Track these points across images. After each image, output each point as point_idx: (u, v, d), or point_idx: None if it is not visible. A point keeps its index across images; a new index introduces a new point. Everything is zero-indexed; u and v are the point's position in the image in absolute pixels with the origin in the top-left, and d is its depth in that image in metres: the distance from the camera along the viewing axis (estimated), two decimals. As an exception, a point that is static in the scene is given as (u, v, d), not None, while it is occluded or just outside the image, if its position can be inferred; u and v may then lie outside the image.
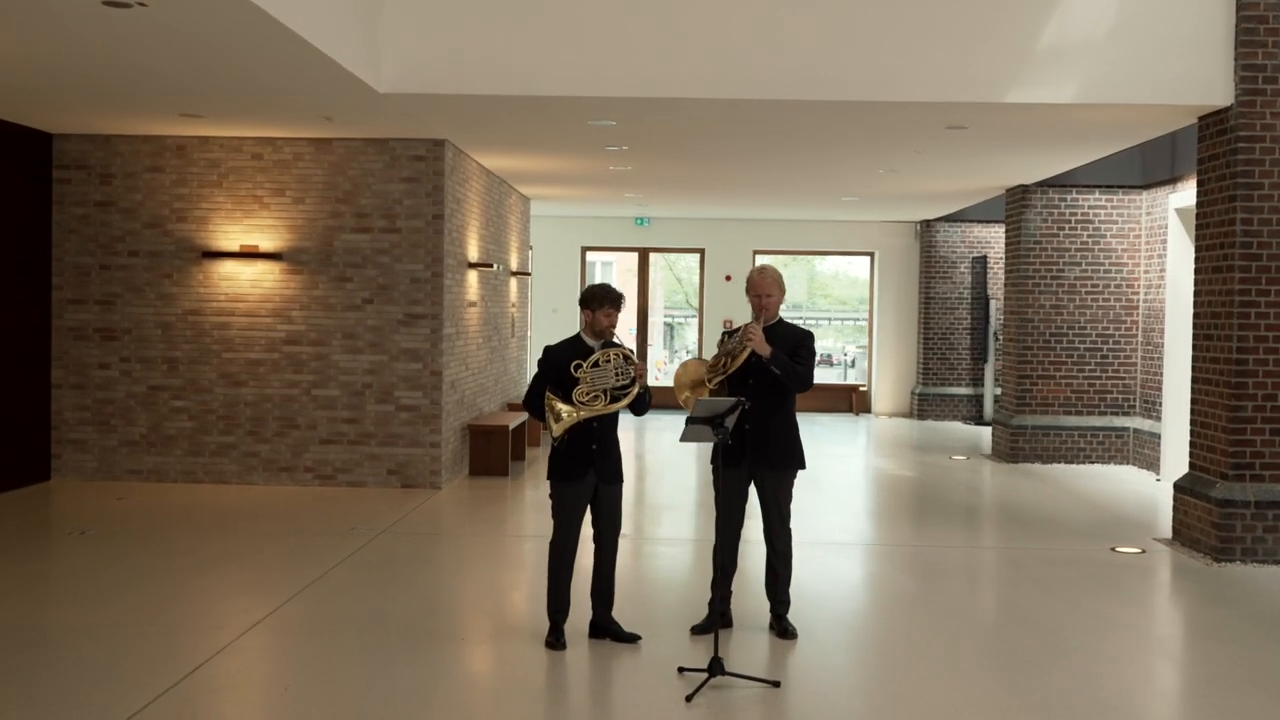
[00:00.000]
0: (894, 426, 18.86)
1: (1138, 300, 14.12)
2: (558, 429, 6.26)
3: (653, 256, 21.78)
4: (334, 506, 10.48)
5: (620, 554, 6.60)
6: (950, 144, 11.06)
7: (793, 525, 6.71)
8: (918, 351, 20.01)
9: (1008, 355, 14.71)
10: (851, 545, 9.51)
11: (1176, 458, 12.62)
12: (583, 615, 6.56)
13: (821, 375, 21.53)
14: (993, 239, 19.20)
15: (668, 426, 17.45)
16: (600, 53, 8.90)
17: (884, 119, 9.79)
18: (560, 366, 6.31)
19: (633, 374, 6.29)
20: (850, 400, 20.79)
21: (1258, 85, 8.69)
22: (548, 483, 6.51)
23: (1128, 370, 14.19)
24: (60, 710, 5.33)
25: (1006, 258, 14.84)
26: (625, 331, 18.25)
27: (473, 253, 12.78)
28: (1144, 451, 13.76)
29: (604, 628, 6.48)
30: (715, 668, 5.73)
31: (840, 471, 13.54)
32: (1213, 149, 9.12)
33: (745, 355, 6.44)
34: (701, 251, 20.83)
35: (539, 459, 13.92)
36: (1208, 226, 9.22)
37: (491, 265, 13.21)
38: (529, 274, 17.30)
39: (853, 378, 24.80)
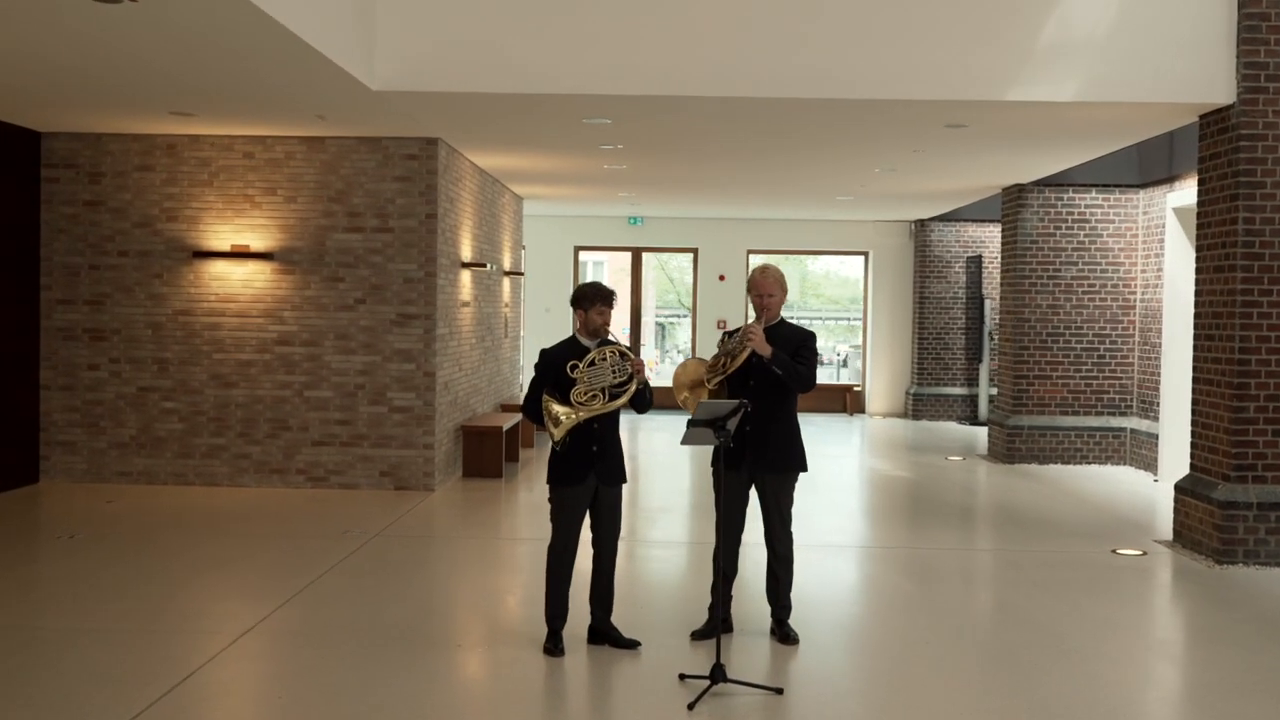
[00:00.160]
0: (888, 427, 18.79)
1: (1134, 300, 14.06)
2: (558, 432, 6.16)
3: (645, 256, 21.69)
4: (326, 509, 10.37)
5: (617, 557, 6.49)
6: (949, 143, 10.98)
7: (792, 528, 6.63)
8: (912, 351, 19.94)
9: (1004, 355, 14.64)
10: (850, 548, 9.43)
11: (1174, 458, 12.56)
12: (581, 620, 6.46)
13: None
14: (987, 238, 19.14)
15: (662, 427, 17.37)
16: (596, 50, 8.80)
17: (883, 117, 9.70)
18: (557, 369, 6.20)
19: (630, 370, 6.19)
20: (844, 400, 20.71)
21: (1260, 83, 8.62)
22: (547, 486, 6.39)
23: (1124, 370, 14.13)
24: (54, 718, 5.23)
25: (1003, 257, 14.77)
26: (618, 331, 18.19)
27: (466, 252, 12.68)
28: (1141, 452, 13.70)
29: (603, 633, 6.38)
30: (717, 675, 5.63)
31: (836, 472, 13.46)
32: (1214, 147, 9.05)
33: (745, 355, 6.35)
34: (695, 251, 20.74)
35: (533, 460, 13.82)
36: (1209, 226, 9.15)
37: (485, 265, 13.11)
38: (522, 274, 17.20)
39: (845, 377, 24.73)
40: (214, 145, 11.29)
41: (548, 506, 6.45)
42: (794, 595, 6.69)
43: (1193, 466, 9.33)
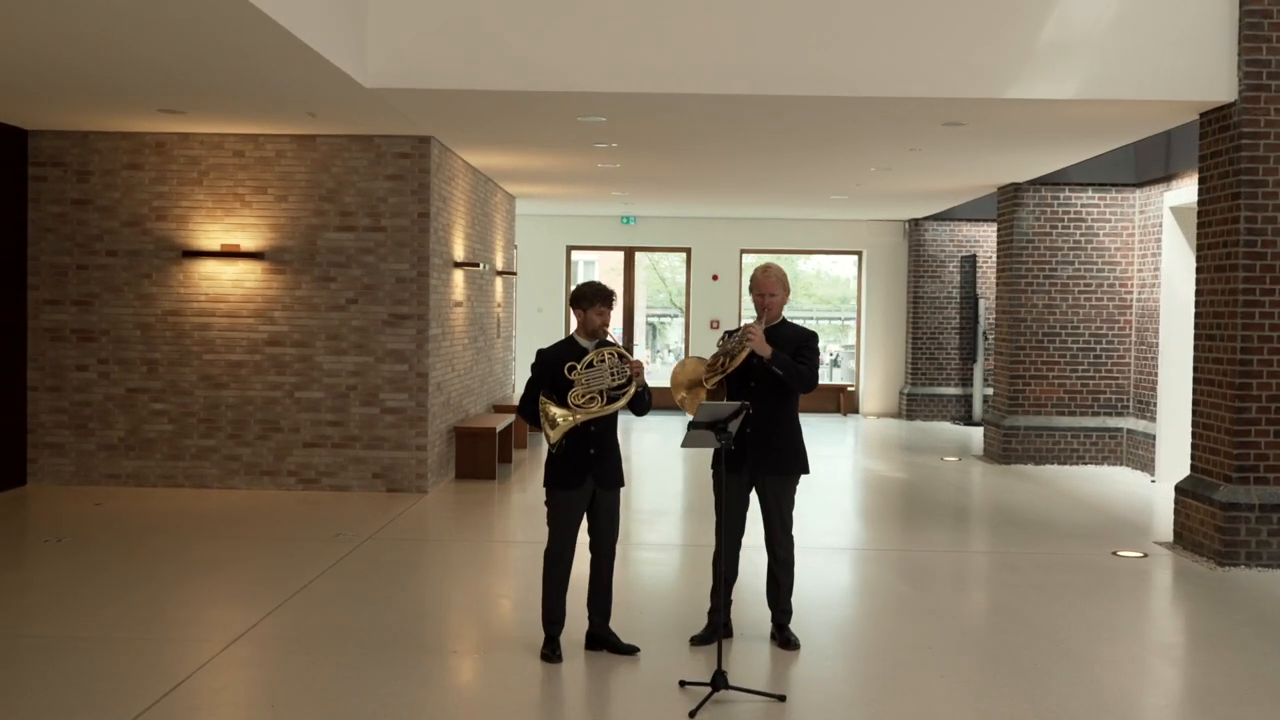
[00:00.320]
0: (882, 427, 18.71)
1: (1131, 299, 13.99)
2: (554, 434, 6.04)
3: (638, 256, 21.58)
4: (318, 511, 10.25)
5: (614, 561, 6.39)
6: (946, 141, 10.90)
7: (793, 531, 6.53)
8: (906, 351, 19.87)
9: (1000, 355, 14.56)
10: (848, 550, 9.34)
11: (1172, 458, 12.50)
12: (578, 626, 6.35)
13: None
14: (982, 238, 19.07)
15: (655, 427, 17.27)
16: (592, 47, 8.69)
17: (881, 115, 9.62)
18: (554, 370, 6.09)
19: (629, 373, 6.08)
20: (838, 400, 20.63)
21: (1262, 81, 8.54)
22: (544, 489, 6.28)
23: (1121, 370, 14.06)
24: (35, 730, 5.11)
25: (998, 256, 14.69)
26: (611, 331, 18.03)
27: (459, 252, 12.56)
28: (1138, 452, 13.63)
29: (601, 639, 6.27)
30: (718, 682, 5.53)
31: (832, 473, 13.37)
32: (1215, 146, 8.97)
33: (744, 355, 6.25)
34: (688, 251, 20.64)
35: (526, 461, 13.71)
36: (1210, 225, 9.07)
37: (478, 265, 13.00)
38: (515, 273, 17.08)
39: (837, 377, 24.62)
40: (204, 143, 11.16)
41: (542, 508, 6.34)
42: (794, 599, 6.60)
43: (1193, 467, 9.25)
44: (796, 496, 6.53)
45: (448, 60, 8.69)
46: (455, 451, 12.29)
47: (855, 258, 21.22)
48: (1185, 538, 9.14)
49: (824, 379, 25.20)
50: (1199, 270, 9.23)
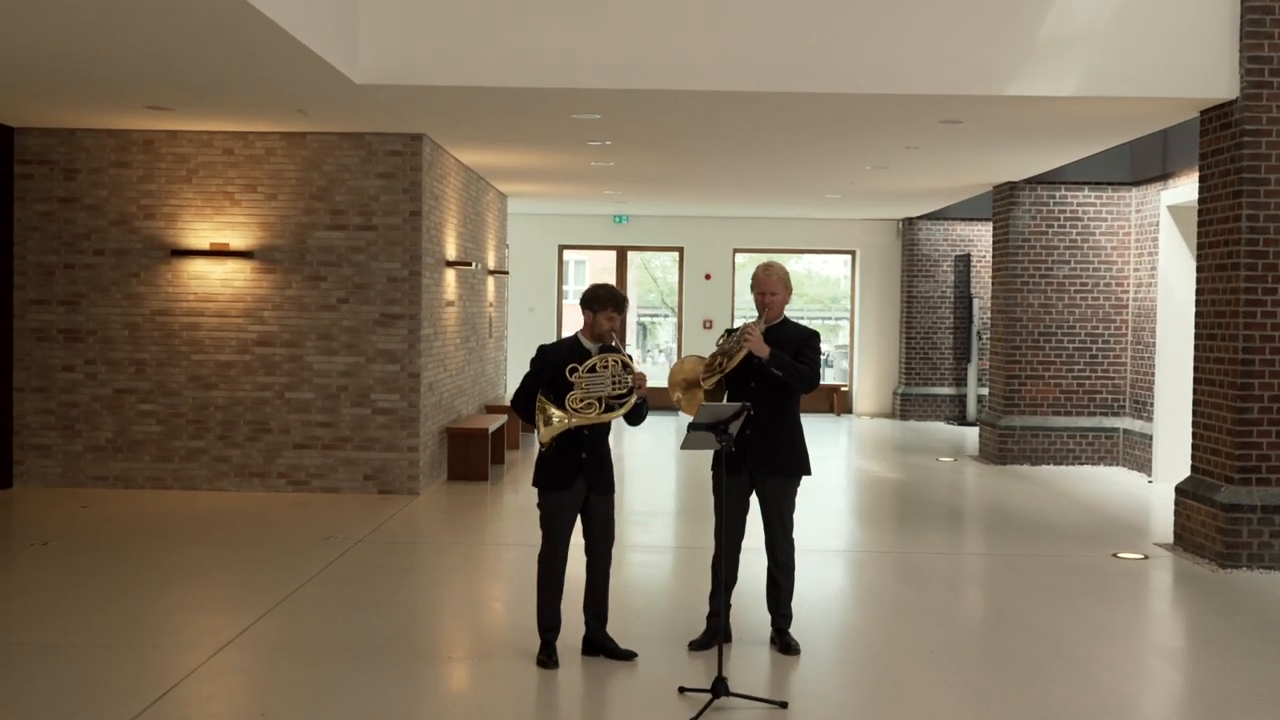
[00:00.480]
0: (876, 427, 18.62)
1: (1127, 299, 13.91)
2: (546, 433, 5.92)
3: (630, 255, 21.46)
4: (308, 514, 10.12)
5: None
6: (943, 139, 10.80)
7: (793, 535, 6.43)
8: (900, 351, 19.78)
9: (995, 355, 14.47)
10: (846, 552, 9.24)
11: (1169, 459, 12.42)
12: (575, 631, 6.23)
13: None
14: (975, 237, 18.99)
15: (648, 427, 17.11)
16: (586, 43, 8.57)
17: (878, 112, 9.52)
18: (555, 368, 5.97)
19: (630, 383, 5.95)
20: (831, 400, 20.53)
21: (1264, 78, 8.46)
22: (534, 490, 6.16)
23: (1117, 370, 13.98)
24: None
25: (994, 256, 14.60)
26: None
27: (451, 251, 12.43)
28: (1134, 453, 13.55)
29: (598, 644, 6.15)
30: (719, 688, 5.42)
31: (827, 474, 13.26)
32: (1216, 143, 8.89)
33: (741, 356, 6.15)
34: (680, 250, 20.53)
35: (519, 462, 13.59)
36: (1210, 223, 8.98)
37: (470, 264, 12.87)
38: (507, 273, 16.95)
39: (830, 377, 24.54)
40: (192, 141, 11.02)
41: (534, 510, 6.22)
42: (793, 603, 6.48)
43: (1194, 468, 9.16)
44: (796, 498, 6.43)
45: (440, 56, 8.56)
46: (447, 452, 12.16)
47: (848, 257, 21.14)
48: (1186, 539, 9.06)
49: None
50: (1199, 269, 9.14)
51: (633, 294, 29.48)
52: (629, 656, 6.11)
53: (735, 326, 6.46)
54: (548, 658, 6.01)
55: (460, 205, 13.06)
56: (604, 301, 5.98)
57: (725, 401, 6.26)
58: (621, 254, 20.99)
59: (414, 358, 11.04)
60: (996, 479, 13.06)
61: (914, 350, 19.37)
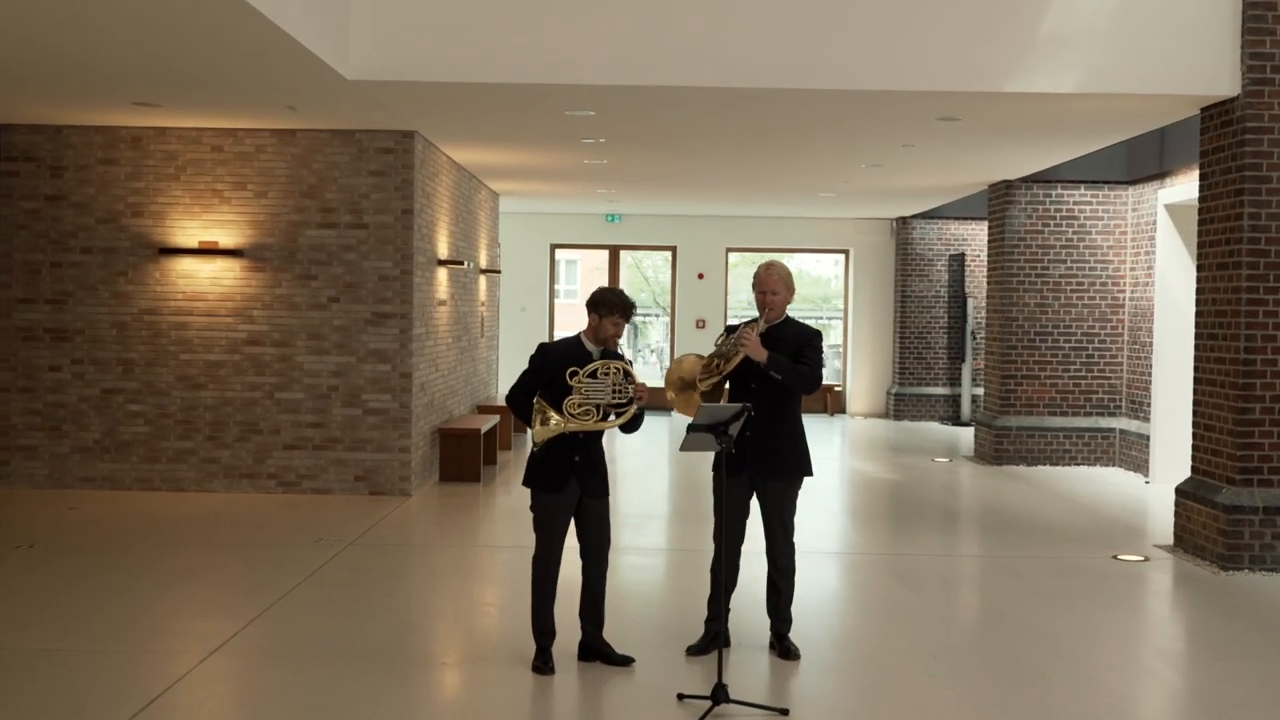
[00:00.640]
0: (870, 427, 18.52)
1: (1123, 298, 13.83)
2: (540, 434, 5.81)
3: (623, 254, 21.34)
4: (299, 515, 9.98)
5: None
6: (940, 137, 10.70)
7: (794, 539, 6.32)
8: (894, 351, 19.69)
9: (991, 355, 14.38)
10: (844, 554, 9.14)
11: (1166, 459, 12.34)
12: (571, 636, 6.12)
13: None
14: (969, 236, 18.91)
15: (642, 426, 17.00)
16: (582, 39, 8.45)
17: (875, 109, 9.41)
18: (555, 368, 5.84)
19: (631, 394, 5.83)
20: (825, 400, 20.44)
21: (1265, 74, 8.37)
22: (526, 491, 6.04)
23: (1114, 370, 13.90)
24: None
25: (989, 255, 14.52)
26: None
27: (443, 250, 12.31)
28: (1131, 453, 13.47)
29: (595, 649, 6.04)
30: (719, 695, 5.31)
31: (822, 475, 13.11)
32: (1217, 141, 8.80)
33: (739, 360, 6.03)
34: (673, 249, 20.41)
35: (511, 463, 13.47)
36: (1211, 222, 8.89)
37: (462, 263, 12.74)
38: (499, 272, 16.83)
39: (824, 377, 24.47)
40: (181, 138, 10.88)
41: (527, 511, 6.11)
42: (792, 606, 6.38)
43: (1194, 469, 9.07)
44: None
45: (433, 51, 8.44)
46: (439, 453, 12.03)
47: (840, 256, 21.04)
48: (1186, 541, 8.97)
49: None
50: (1200, 269, 9.05)
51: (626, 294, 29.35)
52: (626, 662, 5.99)
53: (737, 322, 6.34)
54: (543, 664, 5.89)
55: (452, 204, 12.94)
56: (612, 306, 5.86)
57: (725, 402, 6.14)
58: (614, 253, 20.88)
59: (405, 357, 10.91)
60: (993, 480, 12.97)
61: (908, 350, 19.28)
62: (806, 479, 6.31)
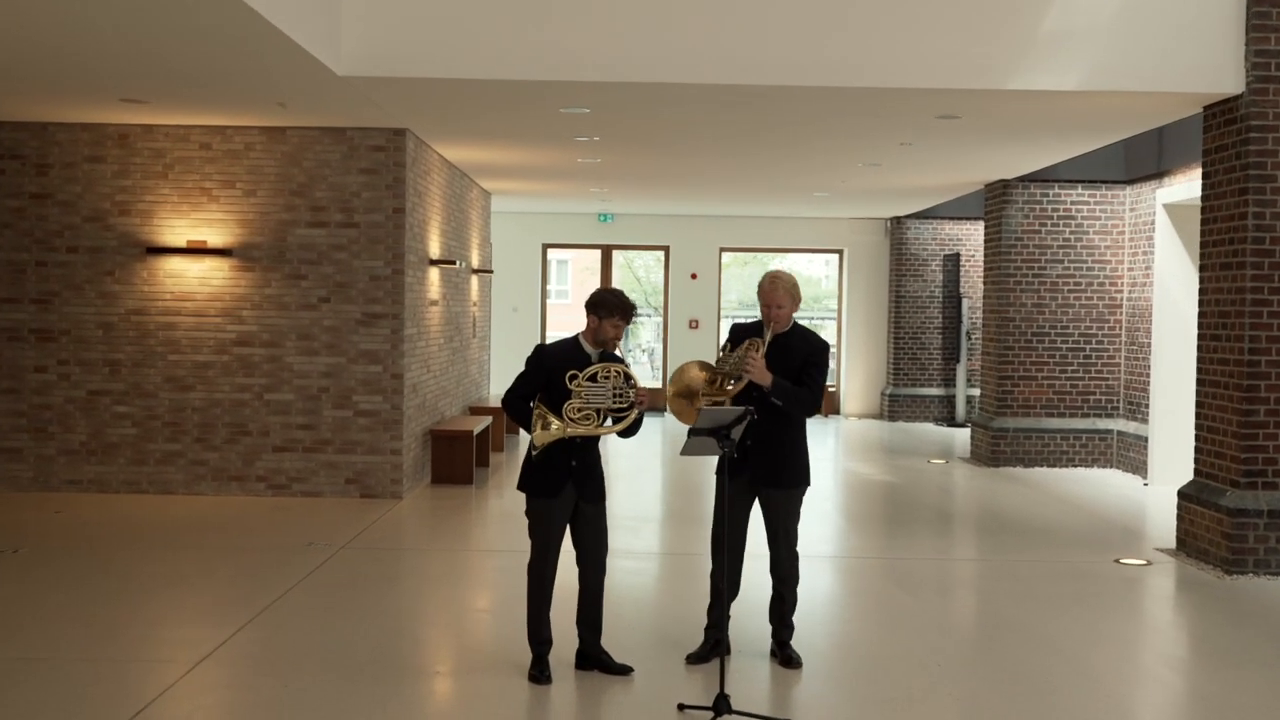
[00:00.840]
0: (864, 428, 18.40)
1: (1121, 299, 13.73)
2: (540, 439, 5.66)
3: (615, 254, 21.20)
4: (289, 519, 9.83)
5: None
6: (939, 135, 10.58)
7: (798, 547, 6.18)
8: (888, 351, 19.58)
9: (987, 356, 14.27)
10: (843, 558, 9.01)
11: (1164, 461, 12.25)
12: (568, 644, 5.98)
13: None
14: (964, 236, 18.80)
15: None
16: (577, 35, 8.31)
17: (876, 107, 9.29)
18: (552, 371, 5.70)
19: (632, 398, 5.69)
20: (818, 401, 20.28)
21: (1270, 72, 8.26)
22: (520, 494, 5.89)
23: (1111, 371, 13.80)
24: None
25: (986, 255, 14.41)
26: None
27: (434, 249, 12.16)
28: (1129, 454, 13.37)
29: (593, 658, 5.90)
30: (721, 705, 5.18)
31: (817, 477, 12.97)
32: (1220, 139, 8.69)
33: (743, 385, 5.88)
34: (666, 249, 20.28)
35: (504, 465, 13.32)
36: (1215, 221, 8.78)
37: (454, 262, 12.59)
38: (491, 271, 16.68)
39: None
40: (169, 135, 10.72)
41: (521, 515, 5.98)
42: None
43: (1198, 472, 8.96)
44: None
45: (425, 47, 8.29)
46: (431, 455, 11.89)
47: (834, 256, 20.93)
48: (1189, 544, 8.86)
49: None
50: (1203, 269, 8.94)
51: (616, 294, 29.19)
52: (625, 671, 5.86)
53: (743, 322, 6.18)
54: (540, 673, 5.75)
55: (444, 203, 12.79)
56: (613, 308, 5.72)
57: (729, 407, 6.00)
58: (606, 253, 20.73)
59: (397, 358, 10.77)
60: (990, 481, 12.86)
61: (902, 351, 19.17)
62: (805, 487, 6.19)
